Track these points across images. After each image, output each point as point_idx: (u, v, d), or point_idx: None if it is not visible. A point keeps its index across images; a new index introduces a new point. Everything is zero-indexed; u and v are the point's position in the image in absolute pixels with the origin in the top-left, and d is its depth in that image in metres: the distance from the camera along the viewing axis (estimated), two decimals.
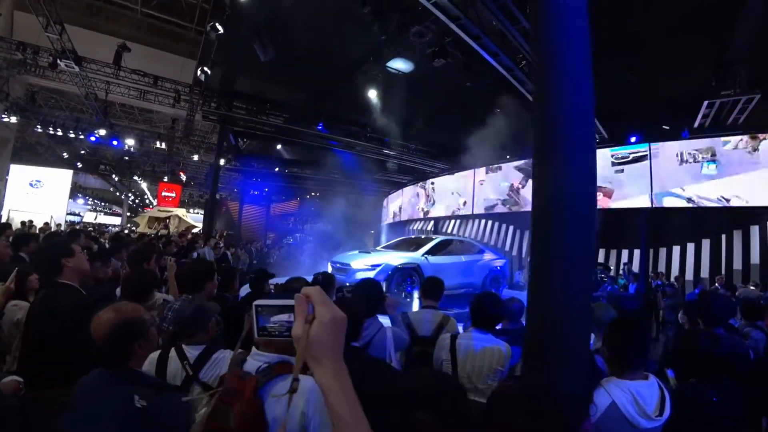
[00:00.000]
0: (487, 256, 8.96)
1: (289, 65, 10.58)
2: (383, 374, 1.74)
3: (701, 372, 2.01)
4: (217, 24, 8.57)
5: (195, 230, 13.47)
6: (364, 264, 6.84)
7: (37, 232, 9.52)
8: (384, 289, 6.34)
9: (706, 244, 11.36)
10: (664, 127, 11.04)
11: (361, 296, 2.51)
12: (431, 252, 7.69)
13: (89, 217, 35.53)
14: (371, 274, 6.55)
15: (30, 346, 2.22)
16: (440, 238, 8.59)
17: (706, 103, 8.87)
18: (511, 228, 15.60)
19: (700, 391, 1.94)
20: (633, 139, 11.50)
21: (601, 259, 13.13)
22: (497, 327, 2.58)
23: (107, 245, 6.06)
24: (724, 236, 10.93)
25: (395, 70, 10.81)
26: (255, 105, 12.91)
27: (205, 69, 10.46)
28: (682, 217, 11.34)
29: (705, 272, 11.16)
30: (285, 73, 11.39)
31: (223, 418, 1.21)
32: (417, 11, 8.16)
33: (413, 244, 8.14)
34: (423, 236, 9.52)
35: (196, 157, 21.34)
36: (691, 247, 11.62)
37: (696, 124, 9.97)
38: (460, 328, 2.84)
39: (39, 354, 2.13)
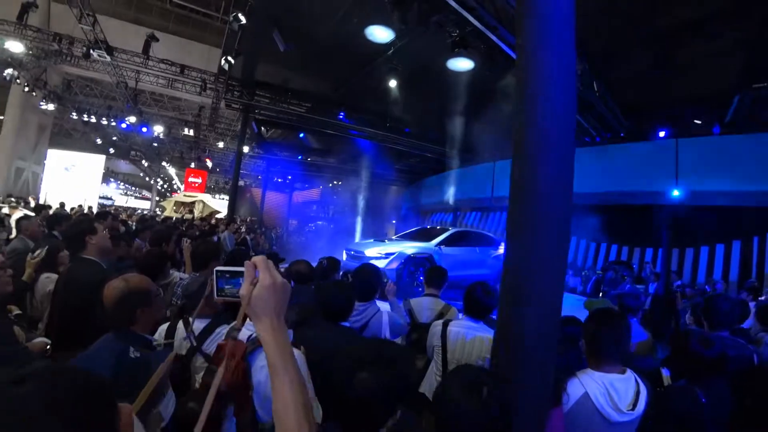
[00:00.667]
0: (503, 247, 8.91)
1: (312, 54, 10.69)
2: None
3: (691, 373, 2.05)
4: (239, 14, 8.74)
5: (219, 215, 13.90)
6: (377, 252, 6.96)
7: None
8: (394, 277, 6.51)
9: (736, 245, 10.93)
10: (695, 121, 10.62)
11: (360, 281, 2.61)
12: (445, 242, 7.74)
13: (120, 201, 36.97)
14: (384, 263, 6.68)
15: (56, 313, 2.45)
16: (455, 229, 8.61)
17: (737, 97, 8.51)
18: None
19: (689, 392, 1.96)
20: (662, 134, 11.14)
21: (624, 256, 12.85)
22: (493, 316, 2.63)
23: (134, 227, 6.41)
24: (757, 238, 10.49)
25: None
26: (277, 94, 13.10)
27: (229, 58, 10.68)
28: (710, 216, 10.93)
29: (734, 275, 10.73)
30: (308, 63, 11.49)
31: (213, 376, 1.36)
32: (437, 0, 8.11)
33: (428, 235, 8.20)
34: (438, 227, 9.53)
35: (221, 144, 21.88)
36: (720, 249, 11.16)
37: (727, 119, 9.59)
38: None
39: (63, 320, 2.35)
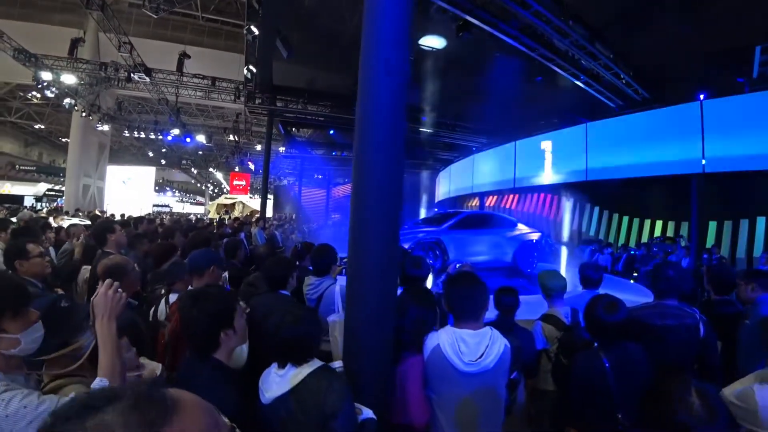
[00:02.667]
0: (519, 229, 8.94)
1: (328, 52, 11.13)
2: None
3: (598, 338, 2.14)
4: (252, 26, 9.40)
5: (257, 215, 14.93)
6: None
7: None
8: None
9: None
10: (721, 81, 9.99)
11: (315, 259, 3.07)
12: (456, 226, 7.93)
13: (177, 207, 39.88)
14: None
15: (90, 294, 3.14)
16: (467, 212, 8.76)
17: (759, 48, 7.99)
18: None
19: (593, 357, 2.06)
20: (702, 96, 10.40)
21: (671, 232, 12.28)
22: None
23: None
24: None
25: (428, 47, 10.93)
26: (298, 96, 13.79)
27: (250, 67, 11.46)
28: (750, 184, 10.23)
29: None
30: (331, 62, 11.92)
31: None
32: None
33: (440, 219, 8.42)
34: (452, 211, 9.69)
35: (259, 147, 23.19)
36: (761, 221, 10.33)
37: (756, 75, 8.99)
38: None
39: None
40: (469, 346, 1.77)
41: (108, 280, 1.40)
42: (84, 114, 15.76)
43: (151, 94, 15.64)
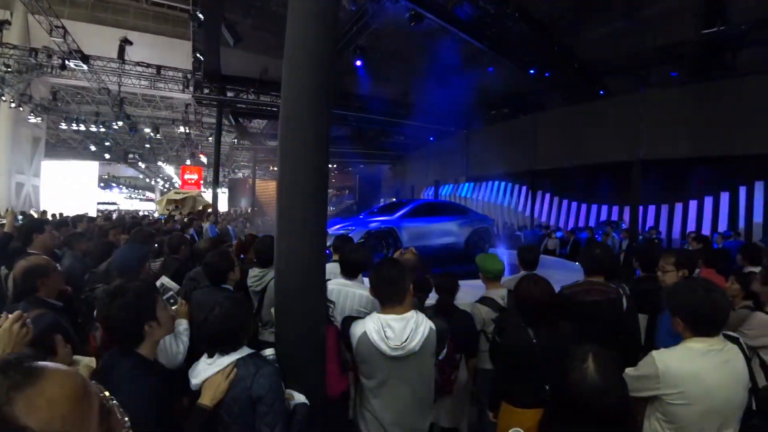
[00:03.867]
0: (471, 217, 9.23)
1: (281, 40, 10.85)
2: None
3: (524, 313, 2.22)
4: (198, 12, 8.99)
5: (210, 209, 14.42)
6: (336, 228, 7.26)
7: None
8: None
9: (724, 197, 10.94)
10: (656, 75, 10.71)
11: (258, 251, 3.05)
12: (409, 215, 8.06)
13: (126, 205, 37.84)
14: None
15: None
16: (419, 201, 8.92)
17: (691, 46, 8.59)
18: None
19: (521, 331, 2.13)
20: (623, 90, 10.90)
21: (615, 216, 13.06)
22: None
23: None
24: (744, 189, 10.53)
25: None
26: (249, 86, 13.38)
27: (198, 55, 10.97)
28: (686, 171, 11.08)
29: (723, 227, 10.86)
30: (278, 49, 11.64)
31: None
32: None
33: (393, 208, 8.52)
34: (405, 200, 9.82)
35: (211, 139, 22.30)
36: (709, 201, 11.22)
37: (686, 70, 9.69)
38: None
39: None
40: (394, 330, 1.82)
41: (17, 313, 1.36)
42: (13, 104, 14.50)
43: (90, 83, 14.65)
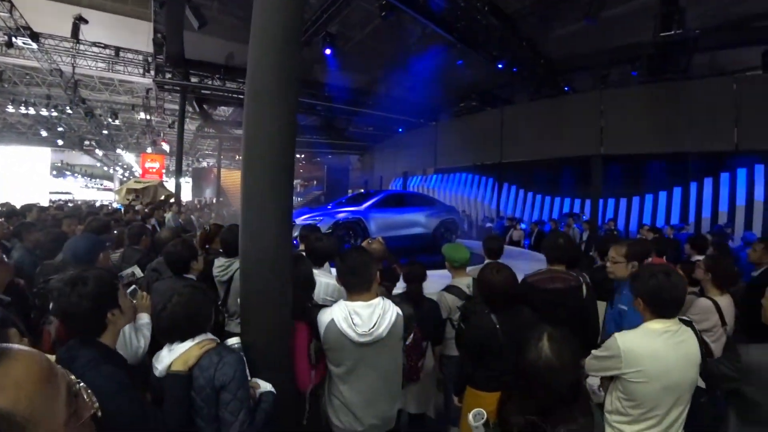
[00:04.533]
0: (438, 208, 9.37)
1: (248, 25, 10.54)
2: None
3: (487, 299, 2.31)
4: None
5: (172, 200, 13.92)
6: (304, 218, 7.21)
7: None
8: None
9: (677, 192, 11.69)
10: (616, 74, 11.15)
11: (224, 241, 2.98)
12: (377, 205, 8.09)
13: (83, 195, 35.93)
14: None
15: None
16: (387, 192, 8.98)
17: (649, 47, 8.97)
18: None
19: (484, 317, 2.23)
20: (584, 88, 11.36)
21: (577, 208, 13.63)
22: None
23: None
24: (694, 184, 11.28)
25: None
26: (214, 71, 12.93)
27: (159, 37, 10.49)
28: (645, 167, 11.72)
29: (675, 219, 11.56)
30: (245, 34, 11.30)
31: None
32: None
33: (361, 199, 8.52)
34: (373, 191, 9.86)
35: (174, 126, 21.43)
36: (663, 195, 11.93)
37: (645, 70, 10.13)
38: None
39: None
40: (362, 317, 1.85)
41: None
42: None
43: (41, 63, 13.72)
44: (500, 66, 11.01)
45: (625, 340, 1.75)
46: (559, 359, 1.27)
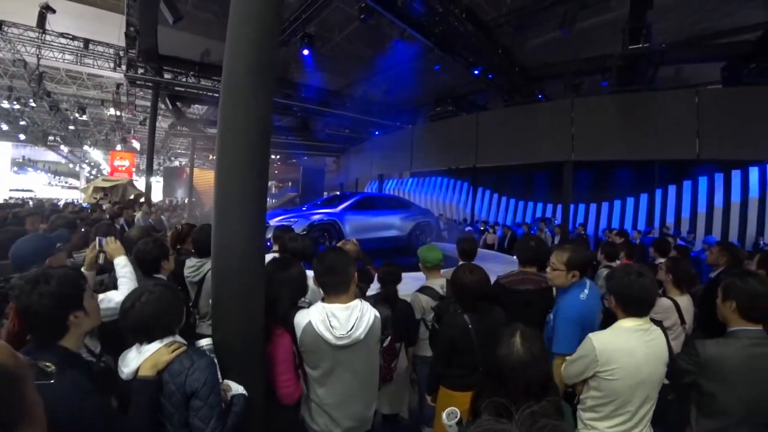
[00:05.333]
0: (413, 211, 9.43)
1: (225, 21, 10.36)
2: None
3: (460, 300, 2.37)
4: None
5: (142, 199, 13.48)
6: (278, 220, 7.14)
7: None
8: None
9: (644, 198, 12.38)
10: (586, 83, 11.54)
11: (196, 241, 2.93)
12: (353, 208, 8.08)
13: (46, 192, 34.35)
14: None
15: None
16: (363, 194, 8.98)
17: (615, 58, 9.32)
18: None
19: (457, 318, 2.29)
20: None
21: (549, 213, 14.12)
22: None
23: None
24: (660, 191, 11.96)
25: None
26: (188, 68, 12.63)
27: (132, 30, 10.18)
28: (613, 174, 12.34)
29: (642, 224, 12.15)
30: (222, 31, 11.12)
31: None
32: None
33: (336, 201, 8.49)
34: (348, 193, 9.86)
35: (145, 124, 20.80)
36: (630, 201, 12.70)
37: (613, 80, 10.52)
38: None
39: None
40: (339, 320, 1.83)
41: None
42: None
43: (3, 52, 13.09)
44: (476, 72, 11.19)
45: (599, 338, 1.82)
46: (530, 354, 1.31)
